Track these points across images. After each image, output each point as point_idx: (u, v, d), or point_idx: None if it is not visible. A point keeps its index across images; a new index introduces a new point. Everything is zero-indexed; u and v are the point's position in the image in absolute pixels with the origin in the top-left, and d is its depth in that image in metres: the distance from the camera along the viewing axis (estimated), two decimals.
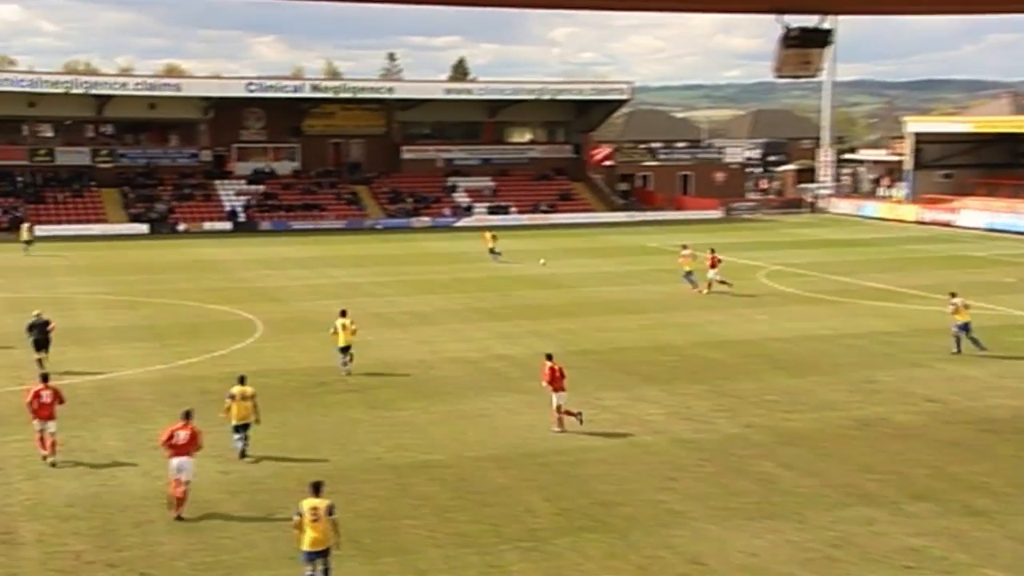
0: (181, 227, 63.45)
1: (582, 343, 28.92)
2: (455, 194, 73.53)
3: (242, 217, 66.26)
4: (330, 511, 12.94)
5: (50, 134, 68.64)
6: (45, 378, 18.74)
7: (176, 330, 30.67)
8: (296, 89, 68.72)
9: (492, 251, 46.72)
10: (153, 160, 68.84)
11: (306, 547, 12.86)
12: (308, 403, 22.29)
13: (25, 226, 55.62)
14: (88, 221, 62.14)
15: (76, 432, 19.67)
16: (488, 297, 37.50)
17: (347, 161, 75.05)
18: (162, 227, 62.79)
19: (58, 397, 18.25)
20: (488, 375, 25.14)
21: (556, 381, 20.07)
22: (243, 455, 18.27)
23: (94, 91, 63.44)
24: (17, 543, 14.39)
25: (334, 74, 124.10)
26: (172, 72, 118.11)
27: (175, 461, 15.80)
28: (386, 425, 20.67)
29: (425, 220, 68.72)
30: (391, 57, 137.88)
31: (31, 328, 25.05)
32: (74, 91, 62.16)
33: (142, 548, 14.39)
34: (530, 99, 73.77)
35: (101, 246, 54.57)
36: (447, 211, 71.06)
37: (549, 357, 20.56)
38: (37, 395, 18.11)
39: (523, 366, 26.16)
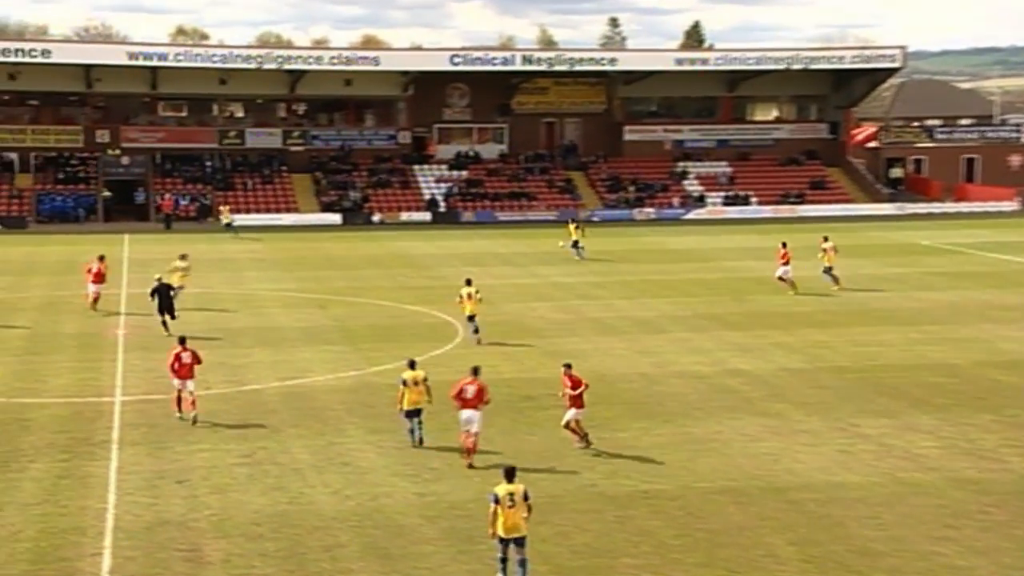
0: (376, 218, 66.29)
1: (837, 359, 28.04)
2: (685, 182, 72.87)
3: (442, 207, 68.41)
4: (526, 496, 14.53)
5: (241, 114, 73.54)
6: (183, 340, 22.87)
7: (369, 333, 32.00)
8: (505, 61, 70.26)
9: (576, 245, 47.06)
10: (347, 142, 72.34)
11: (501, 533, 14.44)
12: (513, 419, 22.67)
13: (225, 208, 59.91)
14: (278, 210, 66.07)
15: (263, 442, 20.92)
16: (722, 302, 36.96)
17: (561, 143, 75.97)
18: (356, 217, 65.84)
19: (196, 358, 22.54)
20: (722, 393, 24.82)
21: (576, 397, 20.23)
22: (420, 442, 20.40)
23: (287, 66, 67.35)
24: (203, 562, 15.44)
25: (548, 43, 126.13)
26: (369, 44, 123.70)
27: (465, 413, 19.65)
28: (602, 448, 20.72)
29: (649, 212, 68.51)
30: (613, 23, 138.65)
31: (154, 293, 31.09)
32: (266, 67, 66.24)
33: (332, 575, 15.07)
34: (778, 69, 71.98)
35: (291, 238, 57.83)
36: (675, 202, 70.51)
37: (568, 367, 20.64)
38: (178, 357, 22.37)
39: (764, 384, 25.58)
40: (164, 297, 31.73)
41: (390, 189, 69.73)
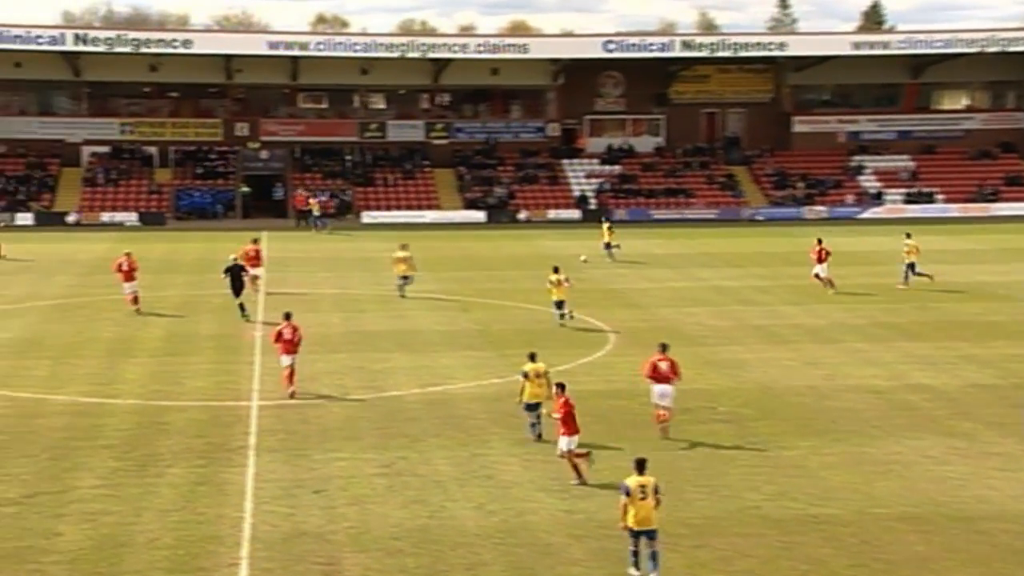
0: (522, 215, 66.76)
1: None
2: (861, 177, 71.08)
3: (593, 204, 68.43)
4: (656, 489, 15.52)
5: (382, 106, 75.15)
6: (288, 316, 25.76)
7: (514, 338, 32.22)
8: (663, 47, 69.84)
9: (608, 247, 47.49)
10: (493, 135, 73.06)
11: (632, 524, 15.43)
12: (669, 433, 22.53)
13: (314, 202, 61.29)
14: (419, 207, 67.24)
15: (403, 452, 21.33)
16: (902, 309, 35.98)
17: (723, 136, 75.10)
18: (501, 215, 66.46)
19: (298, 333, 25.26)
20: (901, 410, 24.20)
21: (571, 421, 19.71)
22: (539, 437, 21.61)
23: (431, 55, 68.46)
24: None
25: (710, 27, 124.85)
26: (518, 30, 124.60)
27: (658, 388, 22.06)
28: (767, 467, 20.44)
29: (820, 210, 67.10)
30: (783, 4, 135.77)
31: (227, 272, 33.98)
32: (409, 56, 67.49)
33: None
34: (969, 53, 69.46)
35: (432, 236, 58.67)
36: (849, 199, 68.87)
37: (561, 388, 20.24)
38: (280, 333, 25.26)
39: (951, 401, 24.81)
40: (236, 278, 34.13)
41: (537, 185, 70.11)
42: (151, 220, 63.60)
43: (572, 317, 33.58)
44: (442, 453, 21.35)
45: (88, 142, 68.86)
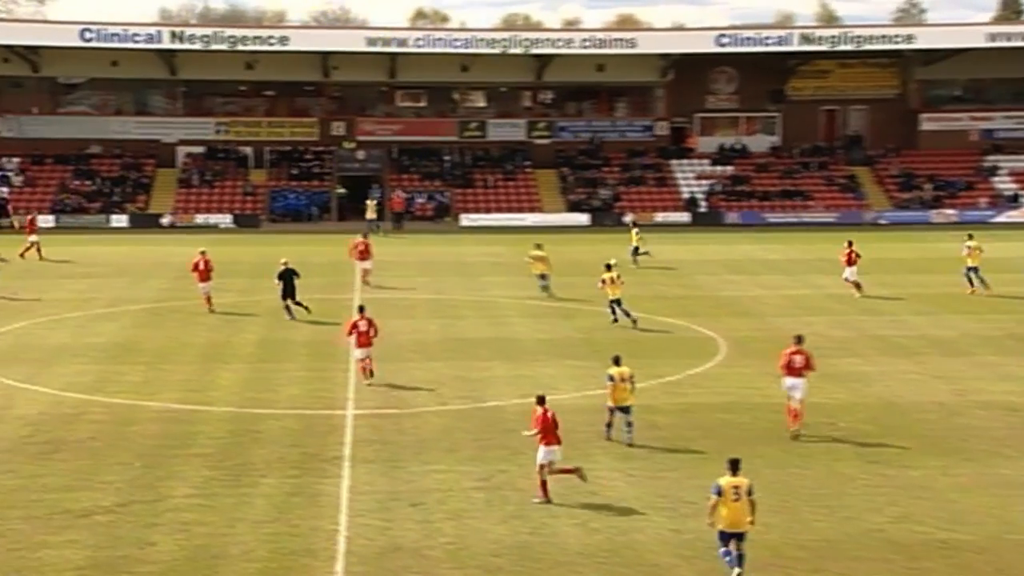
0: (627, 218, 66.47)
1: None
2: (995, 178, 69.43)
3: (703, 207, 67.95)
4: (750, 491, 15.99)
5: (482, 104, 75.61)
6: (362, 309, 28.09)
7: (619, 347, 31.83)
8: (780, 41, 69.07)
9: (636, 251, 47.84)
10: (598, 134, 72.98)
11: (723, 526, 15.94)
12: (783, 449, 22.28)
13: (371, 203, 61.77)
14: (520, 210, 67.47)
15: (502, 465, 21.40)
16: None
17: (843, 134, 73.98)
18: (605, 218, 66.35)
19: (373, 326, 27.39)
20: None
21: (549, 433, 19.47)
22: (631, 444, 22.38)
23: (534, 50, 68.67)
24: None
25: (831, 19, 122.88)
26: (625, 24, 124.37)
27: (789, 381, 23.11)
28: (890, 487, 20.09)
29: (949, 214, 65.69)
30: None
31: (280, 277, 35.25)
32: (511, 51, 67.80)
33: None
34: None
35: (533, 240, 58.60)
36: (982, 202, 67.32)
37: (541, 401, 20.03)
38: (355, 325, 27.43)
39: None
40: (289, 283, 35.38)
41: (644, 187, 69.84)
42: (245, 222, 64.86)
43: (628, 314, 34.58)
44: None
45: (183, 142, 70.56)
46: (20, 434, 23.19)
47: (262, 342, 32.76)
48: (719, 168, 71.30)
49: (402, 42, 67.82)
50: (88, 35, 64.58)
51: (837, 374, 28.10)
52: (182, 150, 70.52)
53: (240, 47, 66.42)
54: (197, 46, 66.03)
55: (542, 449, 19.58)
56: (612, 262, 36.41)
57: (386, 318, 35.76)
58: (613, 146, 72.53)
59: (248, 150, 71.02)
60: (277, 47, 66.68)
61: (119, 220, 64.46)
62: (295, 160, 70.71)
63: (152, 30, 67.30)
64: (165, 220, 64.67)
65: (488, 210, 67.53)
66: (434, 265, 48.40)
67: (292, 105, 73.51)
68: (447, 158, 71.70)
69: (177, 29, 67.36)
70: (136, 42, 65.66)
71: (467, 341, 32.88)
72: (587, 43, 68.66)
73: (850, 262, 40.26)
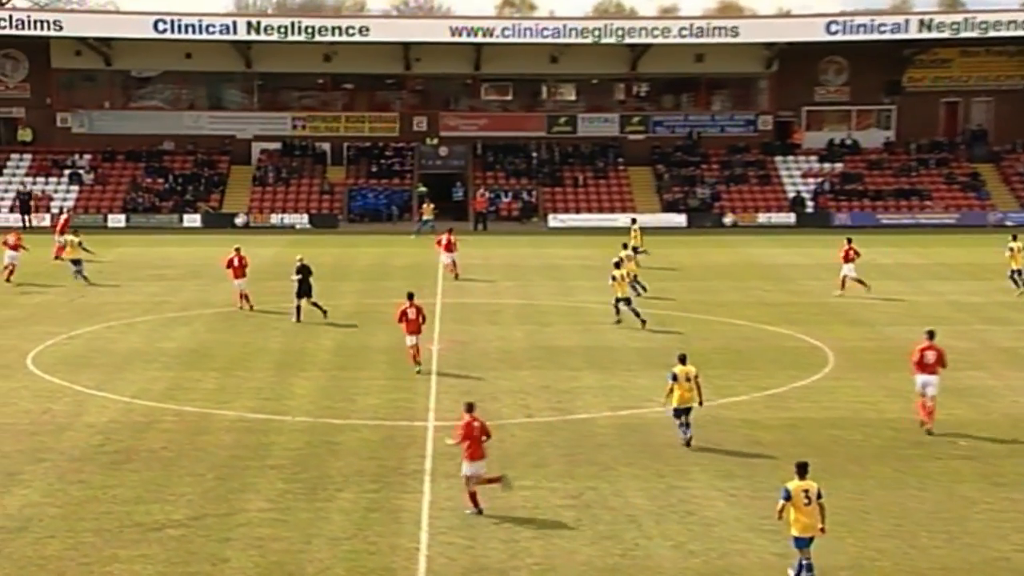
0: (728, 219, 66.11)
1: None
2: None
3: (810, 207, 67.27)
4: (819, 495, 16.74)
5: (572, 97, 75.59)
6: (411, 296, 30.04)
7: (718, 357, 31.90)
8: (896, 28, 67.95)
9: (635, 250, 46.71)
10: (696, 129, 72.60)
11: (797, 532, 16.73)
12: (899, 469, 21.99)
13: (428, 206, 62.29)
14: (612, 210, 67.36)
15: (592, 482, 21.38)
16: None
17: (965, 129, 72.71)
18: (704, 219, 65.97)
19: (421, 314, 29.63)
20: None
21: (475, 444, 19.61)
22: (688, 444, 23.16)
23: (628, 40, 68.46)
24: None
25: (952, 4, 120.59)
26: (727, 11, 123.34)
27: (921, 378, 23.93)
28: (1016, 512, 19.77)
29: None
30: None
31: (298, 272, 36.16)
32: (604, 41, 67.68)
33: None
34: None
35: (624, 241, 58.54)
36: None
37: (470, 408, 20.09)
38: (404, 313, 29.54)
39: None
40: (305, 280, 36.24)
41: (746, 185, 69.33)
42: (322, 222, 65.58)
43: (638, 314, 35.46)
44: (636, 484, 21.29)
45: (258, 138, 71.58)
46: (91, 443, 23.69)
47: (339, 349, 33.08)
48: (827, 165, 70.50)
49: (488, 32, 67.96)
50: (162, 26, 65.81)
51: (958, 388, 27.58)
52: (257, 146, 71.54)
53: (318, 38, 67.10)
54: (274, 37, 66.91)
55: (465, 463, 19.78)
56: (622, 255, 38.71)
57: (469, 324, 36.11)
58: (712, 142, 72.09)
59: (326, 146, 71.81)
60: (357, 38, 67.25)
61: (192, 220, 65.59)
62: (375, 157, 71.34)
63: (227, 20, 68.27)
64: (239, 220, 65.67)
65: (578, 210, 67.51)
66: (520, 268, 48.49)
67: (372, 99, 74.19)
68: (535, 155, 71.81)
69: (253, 19, 68.23)
70: (211, 33, 66.71)
71: (555, 349, 32.88)
72: (685, 32, 68.15)
73: (847, 259, 41.52)
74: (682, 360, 23.61)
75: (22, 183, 67.50)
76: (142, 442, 23.65)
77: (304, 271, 36.68)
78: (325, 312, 36.33)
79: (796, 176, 69.91)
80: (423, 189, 68.79)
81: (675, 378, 23.36)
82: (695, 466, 22.22)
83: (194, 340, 34.08)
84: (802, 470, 17.04)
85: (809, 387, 28.60)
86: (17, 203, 64.65)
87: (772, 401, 27.27)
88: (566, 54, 69.83)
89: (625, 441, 24.07)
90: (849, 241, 42.18)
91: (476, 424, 19.90)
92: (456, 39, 67.71)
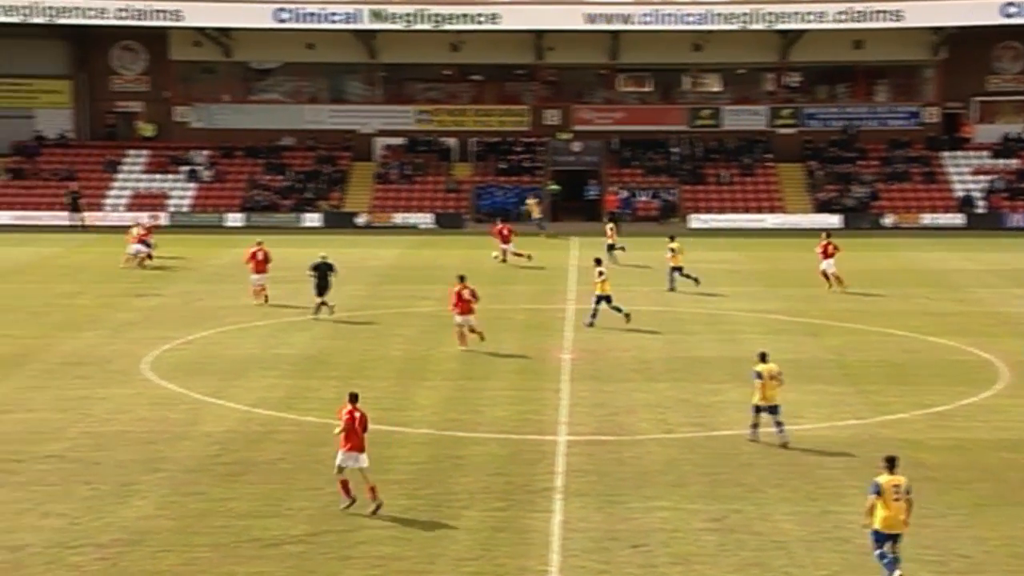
0: (888, 220, 64.96)
1: None
2: None
3: (981, 207, 65.84)
4: (908, 490, 17.48)
5: (717, 88, 75.04)
6: (462, 278, 33.64)
7: (877, 371, 31.42)
8: None
9: (611, 247, 48.71)
10: (853, 122, 71.51)
11: (879, 526, 17.38)
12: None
13: (532, 202, 62.55)
14: (758, 209, 66.76)
15: (737, 504, 21.22)
16: None
17: None
18: (860, 219, 64.92)
19: (475, 295, 33.15)
20: None
21: (351, 435, 20.50)
22: (785, 445, 23.96)
23: (779, 26, 67.67)
24: None
25: None
26: None
27: None
28: None
29: None
30: None
31: (315, 269, 37.74)
32: (753, 27, 67.00)
33: None
34: None
35: (774, 244, 58.04)
36: None
37: (353, 399, 21.08)
38: (459, 294, 32.95)
39: None
40: (323, 276, 37.65)
41: (908, 183, 68.12)
42: (448, 222, 66.09)
43: (629, 318, 36.73)
44: (785, 507, 21.08)
45: (381, 133, 72.50)
46: (207, 453, 24.27)
47: (464, 357, 33.32)
48: (1001, 162, 68.89)
49: (626, 19, 67.77)
50: (283, 16, 67.10)
51: None
52: (380, 141, 72.48)
53: (445, 27, 67.69)
54: (399, 26, 67.67)
55: (340, 453, 20.69)
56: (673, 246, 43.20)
57: (602, 332, 36.12)
58: (871, 136, 70.94)
59: (452, 141, 72.38)
60: (486, 26, 67.65)
61: (312, 219, 66.68)
62: (503, 153, 71.67)
63: (351, 9, 69.08)
64: (360, 220, 66.57)
65: (721, 210, 66.98)
66: (658, 273, 48.20)
67: (501, 91, 74.60)
68: (675, 150, 71.42)
69: (378, 7, 69.18)
70: (333, 22, 67.77)
71: (696, 360, 32.69)
72: (843, 16, 67.01)
73: (827, 254, 43.69)
74: (763, 358, 24.65)
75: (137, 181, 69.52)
76: (259, 453, 24.14)
77: (322, 268, 37.94)
78: (332, 311, 37.73)
79: (965, 173, 68.40)
80: (555, 187, 68.95)
81: (759, 376, 24.34)
82: (851, 489, 21.87)
83: (313, 346, 34.66)
84: (891, 464, 17.86)
85: (979, 405, 27.99)
86: (68, 202, 66.02)
87: (936, 420, 26.73)
88: (710, 42, 69.32)
89: (772, 460, 23.82)
90: (828, 234, 44.78)
91: (357, 415, 20.90)
92: (592, 27, 67.68)
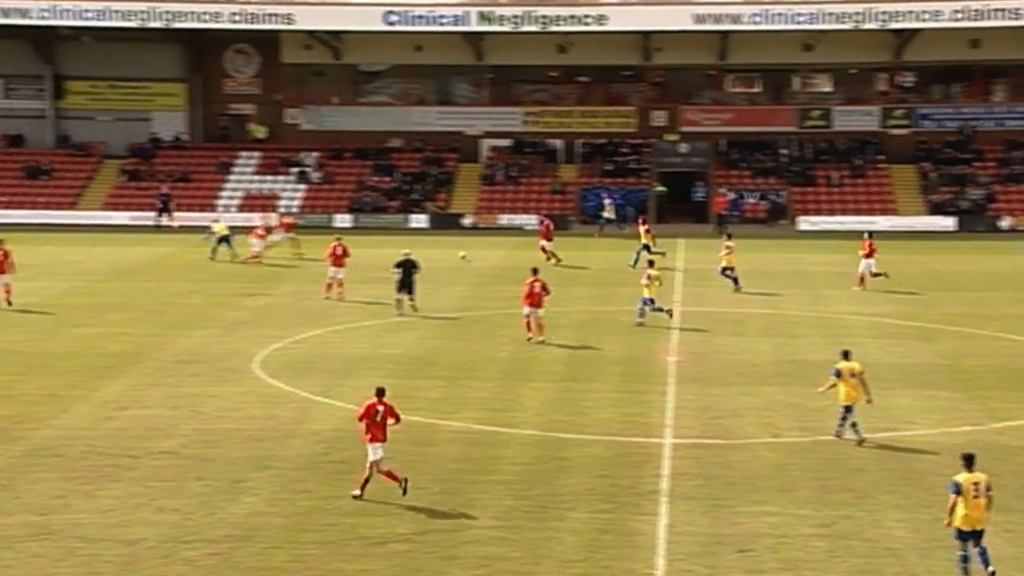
0: (1004, 223, 63.78)
1: None
2: None
3: None
4: (988, 487, 17.69)
5: (827, 88, 74.17)
6: (535, 271, 35.70)
7: (993, 376, 30.89)
8: None
9: (647, 248, 48.82)
10: (969, 123, 70.24)
11: (959, 524, 17.66)
12: None
13: (608, 203, 62.02)
14: (870, 211, 65.90)
15: (847, 510, 20.98)
16: None
17: None
18: (976, 222, 63.94)
19: (545, 288, 34.59)
20: None
21: (373, 427, 21.24)
22: (861, 443, 24.26)
23: (893, 25, 66.69)
24: None
25: None
26: None
27: None
28: None
29: None
30: None
31: (399, 266, 38.68)
32: (866, 27, 66.09)
33: None
34: None
35: (887, 247, 57.02)
36: None
37: (380, 393, 21.78)
38: (531, 286, 34.48)
39: None
40: (408, 274, 38.65)
41: (1021, 185, 66.69)
42: (554, 224, 65.87)
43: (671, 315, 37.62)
44: (897, 514, 20.80)
45: (488, 134, 72.84)
46: (315, 451, 24.57)
47: (570, 359, 33.35)
48: None
49: (735, 18, 67.25)
50: (392, 18, 67.74)
51: None
52: (486, 143, 72.82)
53: (553, 28, 67.81)
54: (506, 28, 67.94)
55: (368, 446, 21.36)
56: (727, 243, 44.16)
57: (709, 335, 36.01)
58: (988, 136, 69.75)
59: (558, 143, 72.53)
60: (593, 27, 67.63)
61: (418, 220, 67.21)
62: (609, 154, 71.62)
63: (459, 11, 69.55)
64: (466, 221, 66.92)
65: (831, 212, 66.26)
66: (766, 275, 47.85)
67: (607, 92, 74.55)
68: (784, 151, 70.85)
69: (486, 9, 69.48)
70: (442, 25, 68.26)
71: (805, 364, 32.30)
72: (959, 15, 65.74)
73: (869, 255, 44.20)
74: (845, 356, 24.72)
75: (248, 182, 70.59)
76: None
77: (406, 266, 38.86)
78: (415, 308, 38.85)
79: None
80: (661, 188, 68.70)
81: (839, 374, 24.41)
82: None
83: (420, 347, 34.92)
84: (969, 462, 17.96)
85: None
86: (159, 203, 67.06)
87: None
88: (821, 41, 68.62)
89: (884, 466, 23.51)
90: (871, 235, 45.27)
91: (380, 408, 21.50)
92: (700, 27, 67.30)
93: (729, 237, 46.03)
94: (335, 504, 21.31)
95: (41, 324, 37.72)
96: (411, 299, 38.93)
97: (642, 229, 50.89)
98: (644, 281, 37.42)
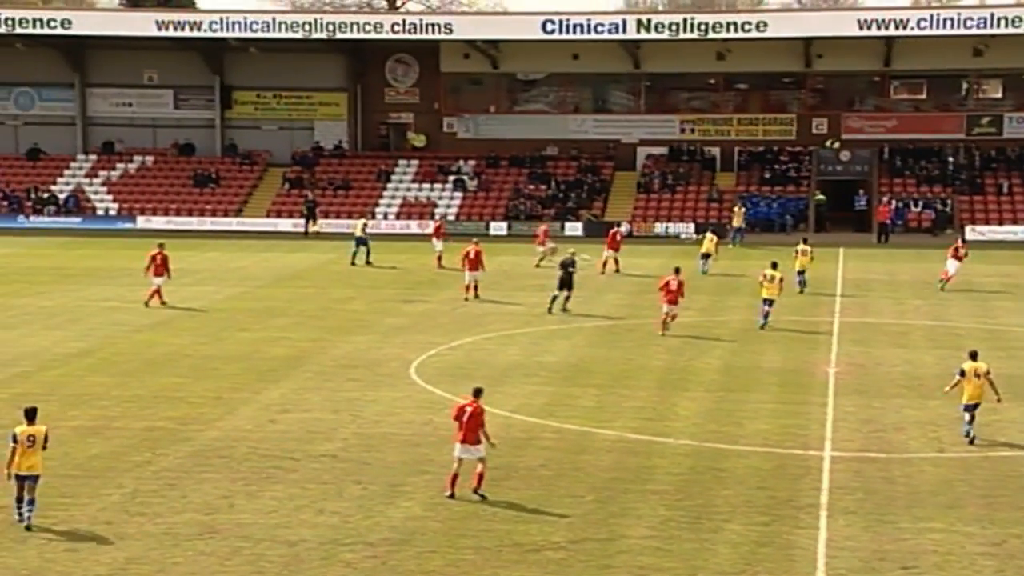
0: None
1: None
2: None
3: None
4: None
5: (998, 94, 72.21)
6: (677, 271, 37.04)
7: None
8: None
9: (706, 256, 49.98)
10: None
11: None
12: None
13: (738, 210, 61.99)
14: None
15: (1016, 528, 20.43)
16: None
17: None
18: None
19: (682, 287, 36.31)
20: None
21: (464, 429, 21.62)
22: (972, 441, 24.85)
23: None
24: None
25: None
26: None
27: None
28: None
29: None
30: None
31: (563, 265, 40.76)
32: None
33: None
34: None
35: None
36: None
37: (477, 393, 22.19)
38: (667, 284, 36.40)
39: None
40: (568, 273, 40.37)
41: None
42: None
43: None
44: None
45: (644, 142, 72.61)
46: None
47: (726, 368, 33.02)
48: None
49: (902, 24, 65.57)
50: (550, 27, 67.81)
51: None
52: (643, 151, 72.58)
53: (711, 35, 67.04)
54: (664, 35, 67.43)
55: (456, 445, 21.80)
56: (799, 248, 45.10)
57: (871, 346, 35.36)
58: None
59: (715, 151, 71.98)
60: (753, 34, 66.72)
61: (573, 228, 67.17)
62: (768, 162, 70.80)
63: (617, 19, 69.37)
64: (623, 228, 66.60)
65: (1001, 221, 64.55)
66: (931, 286, 46.77)
67: (766, 100, 73.69)
68: (951, 159, 69.16)
69: (644, 17, 69.12)
70: (599, 33, 68.10)
71: None
72: None
73: (958, 258, 45.74)
74: (973, 356, 25.23)
75: (405, 189, 71.48)
76: (521, 459, 24.43)
77: (567, 265, 40.72)
78: (555, 303, 40.35)
79: None
80: (821, 197, 67.64)
81: (963, 374, 25.01)
82: None
83: (574, 354, 34.92)
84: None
85: None
86: (304, 209, 67.95)
87: None
88: (992, 46, 66.77)
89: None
90: (964, 242, 47.66)
91: (468, 409, 21.74)
92: (864, 33, 65.92)
93: (805, 241, 46.64)
94: (490, 510, 21.40)
95: (207, 328, 38.68)
96: (568, 297, 40.45)
97: (709, 239, 50.85)
98: (762, 280, 38.06)
